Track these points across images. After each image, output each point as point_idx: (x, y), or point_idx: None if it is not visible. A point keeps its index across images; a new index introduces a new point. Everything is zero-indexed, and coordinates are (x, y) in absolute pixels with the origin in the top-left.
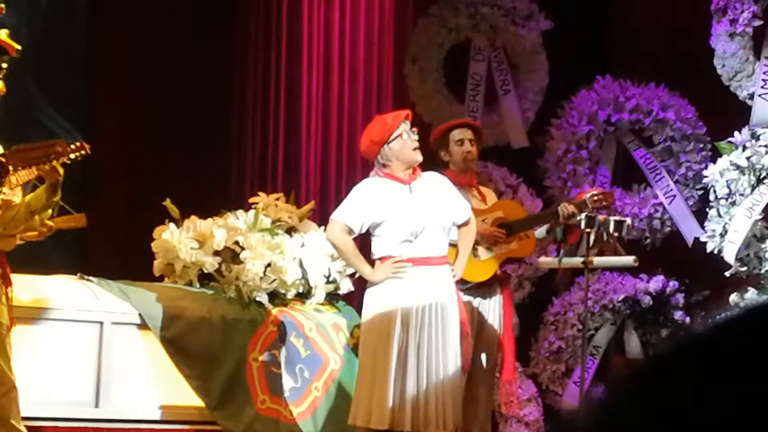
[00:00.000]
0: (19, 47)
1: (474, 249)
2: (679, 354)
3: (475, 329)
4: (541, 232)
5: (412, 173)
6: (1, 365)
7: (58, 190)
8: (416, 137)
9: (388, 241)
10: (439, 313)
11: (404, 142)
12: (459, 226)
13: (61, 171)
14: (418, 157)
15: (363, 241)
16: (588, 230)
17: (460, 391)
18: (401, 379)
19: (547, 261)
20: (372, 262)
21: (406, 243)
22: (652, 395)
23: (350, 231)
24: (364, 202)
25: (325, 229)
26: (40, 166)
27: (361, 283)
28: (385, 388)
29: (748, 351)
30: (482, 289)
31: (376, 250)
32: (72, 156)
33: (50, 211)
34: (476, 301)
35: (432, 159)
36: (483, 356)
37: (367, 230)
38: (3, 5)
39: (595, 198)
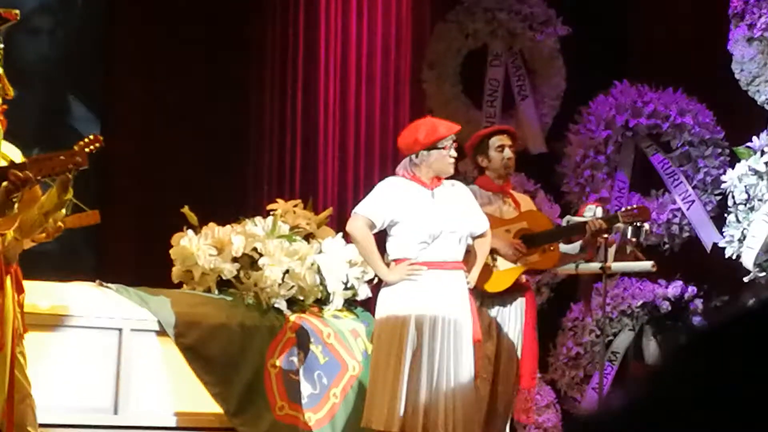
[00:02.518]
0: (17, 11)
1: (494, 259)
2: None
3: (496, 338)
4: (574, 247)
5: (436, 181)
6: (16, 374)
7: (69, 188)
8: (455, 153)
9: (405, 242)
10: (452, 318)
11: (444, 154)
12: (475, 238)
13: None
14: (451, 170)
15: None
16: (607, 236)
17: (471, 398)
18: (414, 383)
19: (565, 267)
20: (386, 263)
21: (422, 245)
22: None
23: (372, 225)
24: (387, 198)
25: (343, 235)
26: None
27: (379, 289)
28: (397, 392)
29: None
30: (503, 297)
31: (392, 251)
32: (87, 150)
33: (63, 210)
34: (495, 310)
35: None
36: (503, 364)
37: (384, 230)
38: (17, 11)
39: (629, 213)
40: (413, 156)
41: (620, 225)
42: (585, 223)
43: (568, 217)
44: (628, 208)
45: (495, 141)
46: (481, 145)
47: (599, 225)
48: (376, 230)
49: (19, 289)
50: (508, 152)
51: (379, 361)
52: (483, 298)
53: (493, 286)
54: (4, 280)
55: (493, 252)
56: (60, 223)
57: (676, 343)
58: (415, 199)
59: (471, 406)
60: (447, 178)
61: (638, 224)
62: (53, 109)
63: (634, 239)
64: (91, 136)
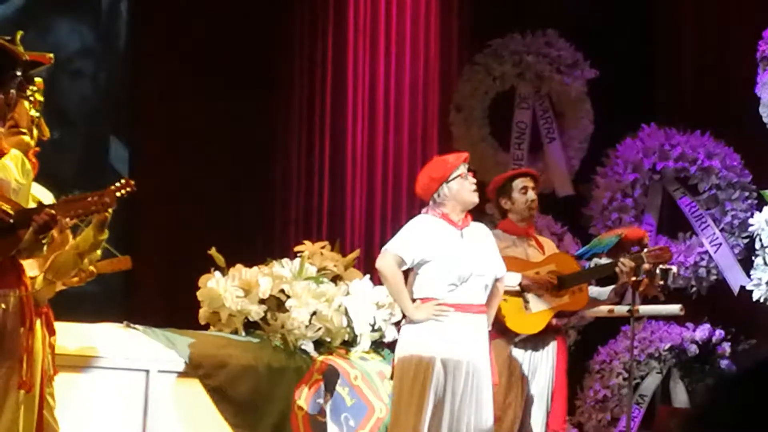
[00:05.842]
0: (51, 56)
1: (525, 301)
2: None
3: (527, 381)
4: (604, 292)
5: (464, 219)
6: (45, 415)
7: (105, 228)
8: (474, 180)
9: (433, 282)
10: (475, 362)
11: (463, 182)
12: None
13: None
14: (475, 198)
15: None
16: (634, 279)
17: None
18: (436, 425)
19: (592, 310)
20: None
21: (451, 287)
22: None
23: (402, 262)
24: (418, 236)
25: (371, 277)
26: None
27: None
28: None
29: None
30: (534, 340)
31: (418, 289)
32: (118, 194)
33: (99, 252)
34: (528, 353)
35: (480, 211)
36: (534, 408)
37: (410, 268)
38: (51, 55)
39: (653, 253)
40: (435, 196)
41: (646, 265)
42: (614, 264)
43: (595, 260)
44: (652, 248)
45: (518, 183)
46: (504, 187)
47: (629, 266)
48: (405, 267)
49: (51, 331)
50: (531, 194)
51: (402, 401)
52: (515, 340)
53: (526, 328)
54: (34, 322)
55: (526, 291)
56: (92, 268)
57: (714, 387)
58: (445, 239)
59: None
60: (474, 218)
61: (662, 265)
62: (94, 151)
63: (662, 282)
64: (123, 181)
